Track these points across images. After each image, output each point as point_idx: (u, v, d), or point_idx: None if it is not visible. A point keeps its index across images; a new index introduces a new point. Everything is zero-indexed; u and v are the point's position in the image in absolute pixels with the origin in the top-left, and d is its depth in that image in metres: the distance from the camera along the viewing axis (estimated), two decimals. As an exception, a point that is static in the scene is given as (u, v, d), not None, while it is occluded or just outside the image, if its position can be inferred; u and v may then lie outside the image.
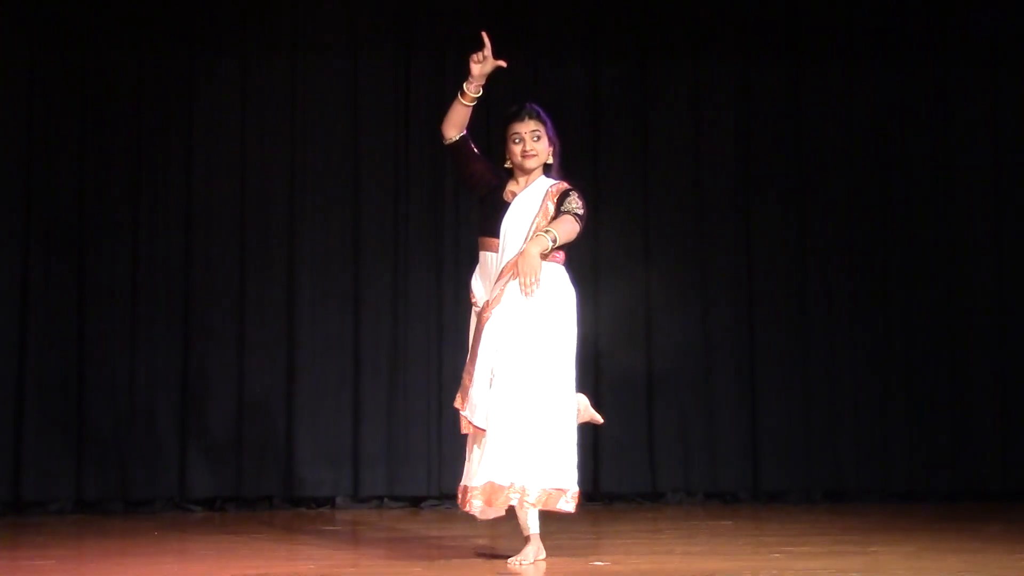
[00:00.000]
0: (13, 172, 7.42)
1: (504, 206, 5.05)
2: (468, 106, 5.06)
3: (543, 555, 4.94)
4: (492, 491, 4.82)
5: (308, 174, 7.68)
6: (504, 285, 4.94)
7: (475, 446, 4.95)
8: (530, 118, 5.05)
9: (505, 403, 4.85)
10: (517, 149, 5.04)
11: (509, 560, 4.90)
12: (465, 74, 5.03)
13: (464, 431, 5.00)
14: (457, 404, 5.00)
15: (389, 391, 7.62)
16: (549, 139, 5.08)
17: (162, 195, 7.54)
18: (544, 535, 4.96)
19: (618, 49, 7.93)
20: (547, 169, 5.11)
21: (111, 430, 7.35)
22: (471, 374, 4.95)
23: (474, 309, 5.11)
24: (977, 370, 7.92)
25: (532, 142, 5.03)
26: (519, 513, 4.91)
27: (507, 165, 5.11)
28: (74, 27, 7.51)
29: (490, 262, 5.06)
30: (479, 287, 5.11)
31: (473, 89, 5.03)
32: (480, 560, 5.15)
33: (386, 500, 7.57)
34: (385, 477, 7.57)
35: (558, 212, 4.99)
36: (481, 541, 5.74)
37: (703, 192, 7.95)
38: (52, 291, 7.39)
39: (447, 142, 5.13)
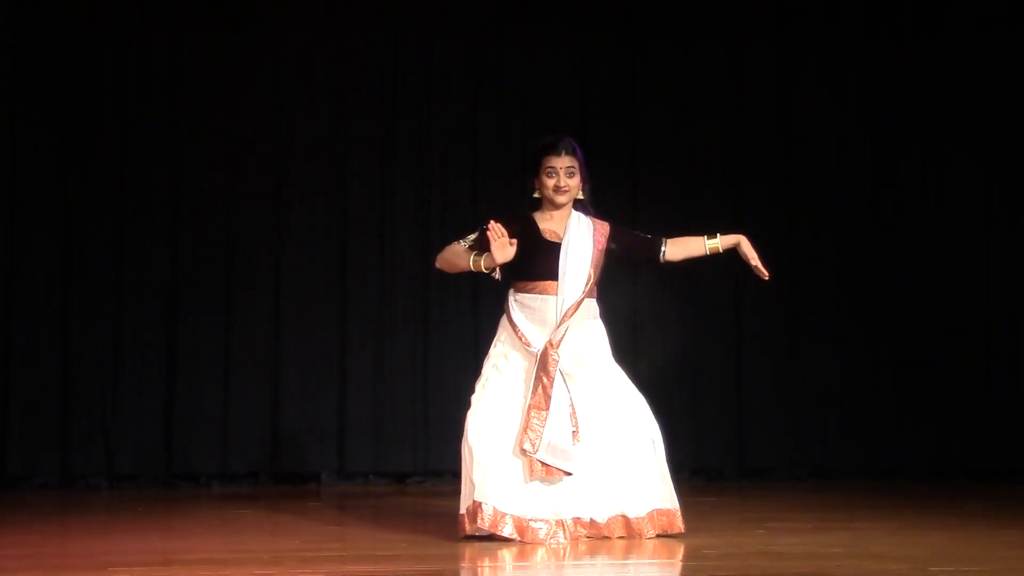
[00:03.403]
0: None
1: (551, 247, 4.95)
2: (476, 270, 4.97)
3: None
4: (622, 524, 4.94)
5: (296, 150, 7.65)
6: (567, 325, 4.90)
7: (542, 477, 4.81)
8: (567, 153, 4.95)
9: (606, 438, 4.93)
10: (551, 183, 4.95)
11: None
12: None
13: (535, 478, 4.79)
14: (526, 447, 4.78)
15: (375, 367, 7.61)
16: (582, 176, 5.00)
17: (149, 170, 7.51)
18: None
19: (607, 32, 7.87)
20: (576, 203, 5.04)
21: (97, 405, 7.34)
22: (543, 417, 4.81)
23: (525, 350, 4.92)
24: (962, 348, 7.93)
25: (566, 178, 4.95)
26: None
27: (535, 195, 5.02)
28: (57, 10, 7.45)
29: (541, 304, 4.93)
30: (530, 329, 4.92)
31: (490, 264, 4.89)
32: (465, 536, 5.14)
33: (371, 476, 7.58)
34: (371, 453, 7.57)
35: (619, 246, 5.04)
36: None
37: (692, 174, 7.93)
38: (37, 266, 7.37)
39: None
